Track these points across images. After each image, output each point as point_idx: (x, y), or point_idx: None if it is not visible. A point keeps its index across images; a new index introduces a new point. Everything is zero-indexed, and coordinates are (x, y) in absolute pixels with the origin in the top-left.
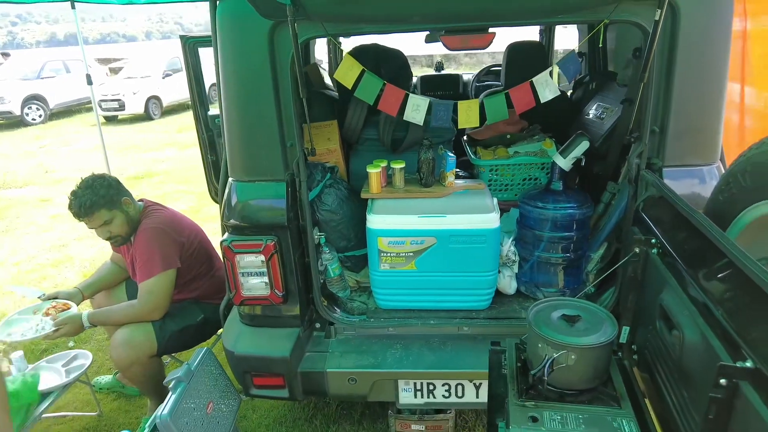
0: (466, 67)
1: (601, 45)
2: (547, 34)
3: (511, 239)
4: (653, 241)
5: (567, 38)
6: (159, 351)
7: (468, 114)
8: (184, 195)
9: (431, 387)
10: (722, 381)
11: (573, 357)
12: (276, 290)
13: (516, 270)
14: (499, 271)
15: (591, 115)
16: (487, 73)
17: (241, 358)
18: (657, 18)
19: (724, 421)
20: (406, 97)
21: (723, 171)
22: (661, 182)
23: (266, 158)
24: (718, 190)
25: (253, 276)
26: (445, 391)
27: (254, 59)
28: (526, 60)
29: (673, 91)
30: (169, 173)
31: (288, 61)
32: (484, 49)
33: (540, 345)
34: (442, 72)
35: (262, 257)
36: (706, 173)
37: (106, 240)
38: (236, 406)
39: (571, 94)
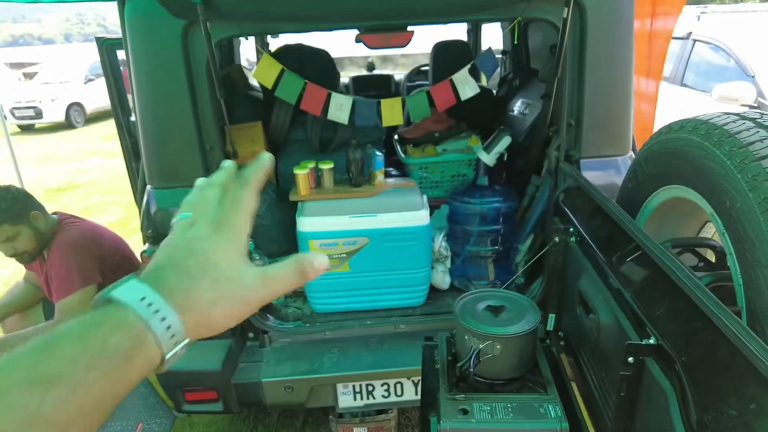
0: (403, 67)
1: (516, 42)
2: (474, 33)
3: (442, 235)
4: (571, 229)
5: (497, 38)
6: None
7: (392, 112)
8: (112, 206)
9: (370, 388)
10: (630, 359)
11: (498, 347)
12: None
13: (449, 265)
14: (432, 267)
15: (515, 112)
16: (418, 72)
17: (170, 373)
18: (565, 16)
19: (634, 397)
20: (329, 96)
21: None
22: (578, 173)
23: (184, 163)
24: (628, 178)
25: None
26: (384, 391)
27: (167, 61)
28: (452, 59)
29: (585, 86)
30: (95, 184)
31: (204, 62)
32: (403, 47)
33: (467, 337)
34: (374, 72)
35: None
36: (621, 163)
37: (11, 257)
38: (169, 424)
39: (497, 91)
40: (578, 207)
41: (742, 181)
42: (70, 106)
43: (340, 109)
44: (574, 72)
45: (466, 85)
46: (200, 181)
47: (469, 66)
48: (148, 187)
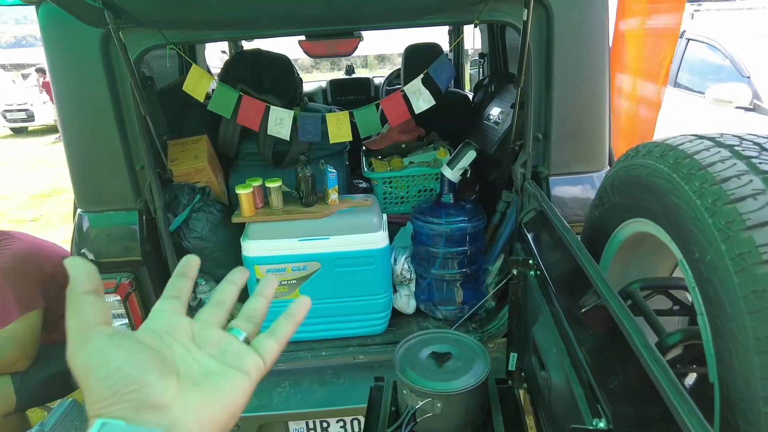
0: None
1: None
2: (455, 35)
3: (404, 256)
4: (531, 261)
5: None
6: (19, 406)
7: (339, 128)
8: None
9: (325, 425)
10: None
11: (439, 405)
12: None
13: (413, 288)
14: (395, 291)
15: (490, 120)
16: (398, 76)
17: None
18: (525, 18)
19: None
20: (268, 109)
21: None
22: (541, 194)
23: (113, 184)
24: (594, 204)
25: (113, 318)
26: (341, 428)
27: (88, 72)
28: (424, 62)
29: (553, 95)
30: None
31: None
32: (348, 55)
33: (405, 392)
34: (353, 75)
35: (117, 297)
36: (596, 180)
37: None
38: None
39: (473, 97)
40: (541, 235)
41: (714, 228)
42: None
43: (280, 123)
44: (541, 79)
45: (419, 98)
46: None
47: (422, 76)
48: (78, 210)
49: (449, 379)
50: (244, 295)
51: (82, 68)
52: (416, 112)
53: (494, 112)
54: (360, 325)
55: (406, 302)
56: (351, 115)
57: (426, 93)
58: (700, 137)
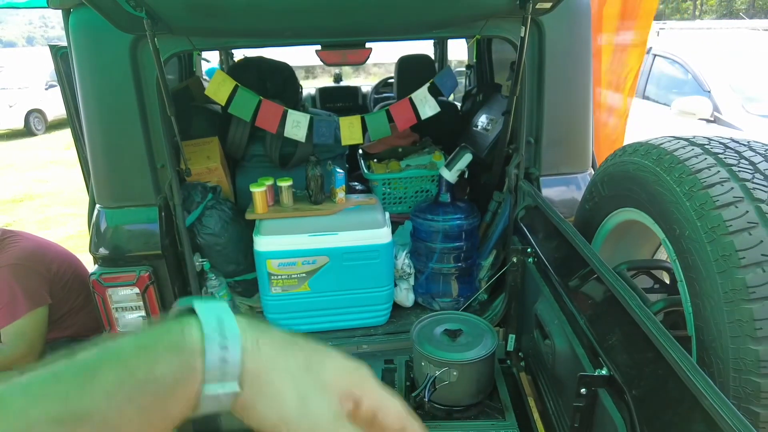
0: (375, 77)
1: (476, 59)
2: (441, 46)
3: (405, 252)
4: (529, 250)
5: (463, 51)
6: None
7: (351, 131)
8: (72, 219)
9: None
10: (582, 390)
11: (455, 373)
12: None
13: (412, 282)
14: (395, 285)
15: (479, 127)
16: (385, 84)
17: None
18: (522, 34)
19: (588, 428)
20: (286, 113)
21: None
22: (536, 192)
23: (134, 182)
24: (584, 198)
25: (129, 311)
26: None
27: (116, 76)
28: (416, 73)
29: (545, 103)
30: (54, 195)
31: (154, 77)
32: (361, 64)
33: (423, 363)
34: (341, 84)
35: (136, 290)
36: (580, 180)
37: None
38: None
39: (461, 105)
40: (536, 227)
41: (691, 209)
42: (29, 112)
43: (296, 126)
44: (533, 89)
45: (425, 104)
46: None
47: (428, 85)
48: (98, 206)
49: (463, 351)
50: (252, 290)
51: (112, 72)
52: (422, 118)
53: (483, 119)
54: (364, 316)
55: (406, 295)
56: (362, 119)
57: (432, 101)
58: (677, 138)
